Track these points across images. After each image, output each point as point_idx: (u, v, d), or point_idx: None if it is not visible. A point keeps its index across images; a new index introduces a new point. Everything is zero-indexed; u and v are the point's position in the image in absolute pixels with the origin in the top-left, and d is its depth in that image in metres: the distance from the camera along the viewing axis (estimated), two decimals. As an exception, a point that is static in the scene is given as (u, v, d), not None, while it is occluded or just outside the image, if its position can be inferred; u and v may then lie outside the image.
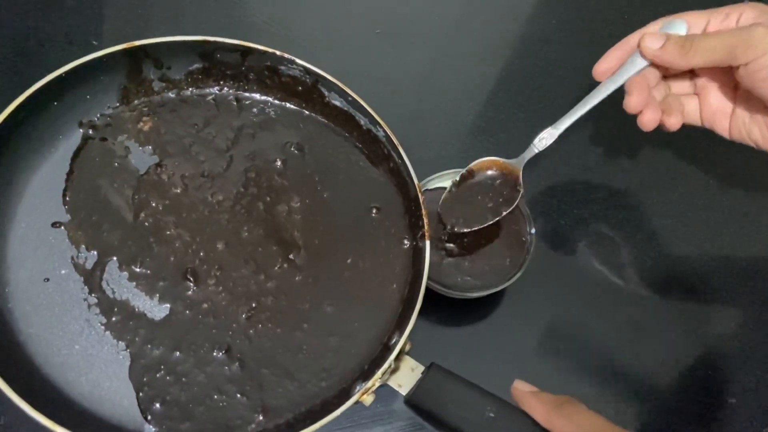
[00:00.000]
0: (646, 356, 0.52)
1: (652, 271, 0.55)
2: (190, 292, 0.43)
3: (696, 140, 0.60)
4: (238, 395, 0.41)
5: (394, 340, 0.41)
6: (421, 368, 0.40)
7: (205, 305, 0.43)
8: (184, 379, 0.40)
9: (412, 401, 0.39)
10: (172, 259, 0.43)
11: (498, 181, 0.48)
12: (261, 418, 0.40)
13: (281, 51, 0.47)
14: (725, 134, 0.48)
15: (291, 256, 0.45)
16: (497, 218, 0.47)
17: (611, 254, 0.56)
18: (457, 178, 0.49)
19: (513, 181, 0.48)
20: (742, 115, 0.46)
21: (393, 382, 0.40)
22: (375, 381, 0.39)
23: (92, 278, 0.42)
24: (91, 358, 0.40)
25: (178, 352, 0.41)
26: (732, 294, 0.55)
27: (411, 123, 0.58)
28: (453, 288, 0.48)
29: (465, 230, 0.47)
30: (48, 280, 0.41)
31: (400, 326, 0.42)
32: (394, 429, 0.48)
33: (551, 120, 0.47)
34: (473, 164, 0.49)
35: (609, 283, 0.55)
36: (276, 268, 0.44)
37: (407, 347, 0.41)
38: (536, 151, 0.47)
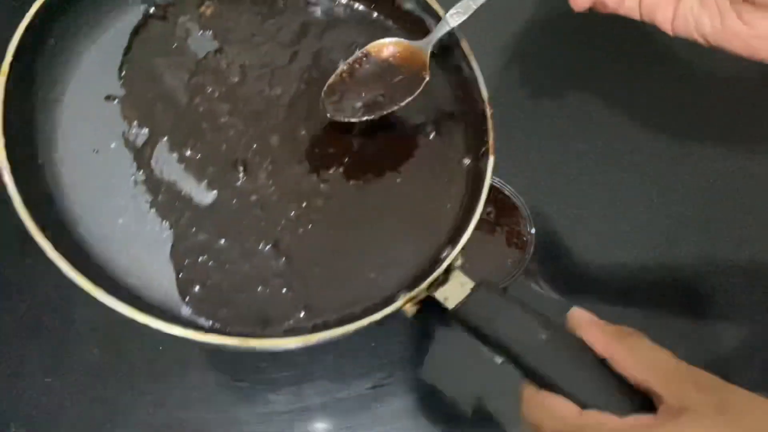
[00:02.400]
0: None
1: (652, 271, 0.55)
2: (239, 183, 0.42)
3: (692, 137, 0.60)
4: (284, 290, 0.40)
5: (444, 254, 0.40)
6: (471, 284, 0.38)
7: (254, 197, 0.42)
8: (227, 266, 0.40)
9: (458, 315, 0.37)
10: (223, 147, 0.42)
11: (400, 68, 0.44)
12: (302, 315, 0.39)
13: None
14: (667, 27, 0.41)
15: (346, 160, 0.44)
16: (391, 110, 0.42)
17: (611, 254, 0.56)
18: (350, 60, 0.44)
19: (418, 68, 0.43)
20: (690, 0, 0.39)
21: (440, 295, 0.38)
22: (421, 290, 0.38)
23: (141, 155, 0.41)
24: (134, 235, 0.39)
25: (222, 240, 0.40)
26: (732, 294, 0.55)
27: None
28: (453, 288, 0.48)
29: (345, 120, 0.42)
30: (97, 152, 0.41)
31: (453, 241, 0.40)
32: (394, 429, 0.49)
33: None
34: (370, 46, 0.44)
35: (609, 283, 0.55)
36: (330, 171, 0.43)
37: (458, 262, 0.39)
38: (447, 28, 0.42)
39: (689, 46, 0.43)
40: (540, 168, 0.59)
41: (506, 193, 0.51)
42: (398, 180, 0.44)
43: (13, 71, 0.37)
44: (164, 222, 0.40)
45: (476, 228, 0.48)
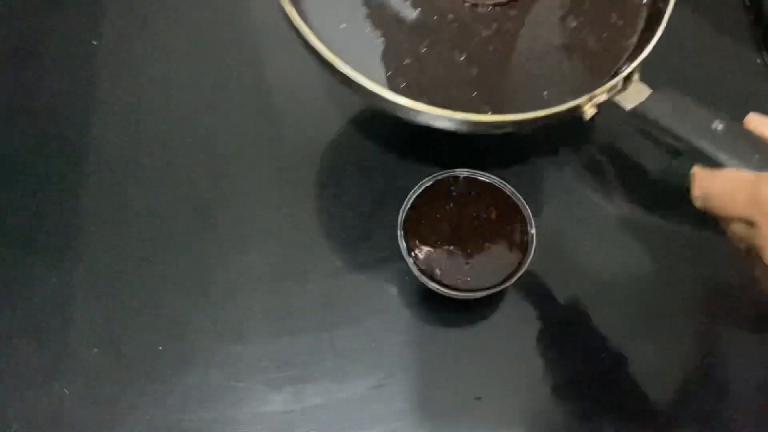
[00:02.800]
0: (646, 357, 0.52)
1: (652, 271, 0.55)
2: (438, 2, 0.49)
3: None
4: (474, 93, 0.46)
5: (624, 67, 0.44)
6: (649, 91, 0.42)
7: (451, 16, 0.48)
8: (427, 70, 0.46)
9: (637, 112, 0.42)
10: None
11: None
12: (489, 111, 0.45)
13: None
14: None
15: None
16: None
17: (611, 254, 0.56)
18: None
19: None
20: None
21: (619, 99, 0.43)
22: (602, 92, 0.43)
23: None
24: (352, 39, 0.47)
25: (425, 48, 0.47)
26: (732, 294, 0.55)
27: None
28: (453, 288, 0.48)
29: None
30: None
31: (632, 58, 0.45)
32: (394, 429, 0.49)
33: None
34: None
35: (609, 283, 0.55)
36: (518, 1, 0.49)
37: (636, 75, 0.44)
38: None
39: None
40: (540, 168, 0.59)
41: (506, 193, 0.51)
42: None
43: None
44: (376, 30, 0.48)
45: (476, 228, 0.49)
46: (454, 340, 0.52)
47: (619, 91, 0.43)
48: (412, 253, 0.49)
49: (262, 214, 0.56)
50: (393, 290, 0.53)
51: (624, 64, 0.45)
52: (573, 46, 0.48)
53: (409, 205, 0.50)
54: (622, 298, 0.54)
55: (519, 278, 0.48)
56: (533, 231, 0.50)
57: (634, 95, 0.43)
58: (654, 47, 0.45)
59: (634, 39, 0.48)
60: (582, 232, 0.56)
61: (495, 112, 0.44)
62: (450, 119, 0.42)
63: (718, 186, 0.36)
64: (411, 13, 0.48)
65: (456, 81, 0.47)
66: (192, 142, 0.58)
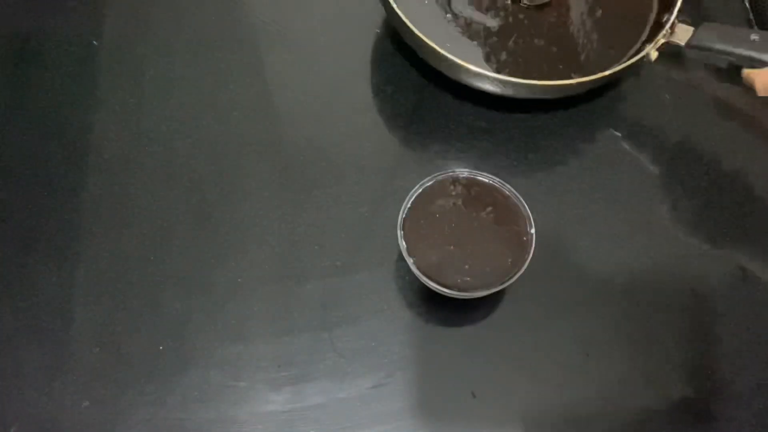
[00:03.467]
0: (646, 356, 0.52)
1: (652, 271, 0.55)
2: (507, 8, 0.62)
3: (692, 136, 0.60)
4: (560, 66, 0.59)
5: (665, 18, 0.57)
6: (692, 28, 0.55)
7: (521, 15, 0.61)
8: (521, 58, 0.59)
9: (691, 43, 0.55)
10: None
11: None
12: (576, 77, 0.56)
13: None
14: None
15: None
16: None
17: (611, 254, 0.56)
18: None
19: None
20: None
21: (674, 38, 0.56)
22: (661, 38, 0.56)
23: (445, 4, 0.61)
24: (452, 51, 0.54)
25: (512, 43, 0.60)
26: (732, 294, 0.55)
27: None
28: (453, 288, 0.48)
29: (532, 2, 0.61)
30: (425, 2, 0.61)
31: (669, 8, 0.57)
32: (394, 429, 0.49)
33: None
34: None
35: (609, 283, 0.55)
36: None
37: (676, 21, 0.56)
38: None
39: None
40: (540, 168, 0.59)
41: (506, 193, 0.51)
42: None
43: None
44: (473, 41, 0.60)
45: (476, 228, 0.49)
46: (454, 340, 0.52)
47: (671, 35, 0.56)
48: (412, 253, 0.49)
49: (262, 214, 0.56)
50: (393, 290, 0.53)
51: (665, 14, 0.58)
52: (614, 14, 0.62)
53: (409, 205, 0.50)
54: (622, 298, 0.54)
55: (519, 278, 0.48)
56: (533, 231, 0.50)
57: (683, 34, 0.56)
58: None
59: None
60: (582, 232, 0.56)
61: (582, 75, 0.56)
62: (559, 87, 0.56)
63: (763, 74, 0.52)
64: (493, 22, 0.61)
65: (544, 59, 0.59)
66: (192, 142, 0.59)
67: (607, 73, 0.55)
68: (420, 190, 0.51)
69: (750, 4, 0.67)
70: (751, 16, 0.66)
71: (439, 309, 0.52)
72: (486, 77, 0.55)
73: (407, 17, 0.56)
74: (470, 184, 0.51)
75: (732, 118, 0.61)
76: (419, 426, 0.49)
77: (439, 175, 0.51)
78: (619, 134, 0.60)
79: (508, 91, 0.56)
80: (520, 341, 0.52)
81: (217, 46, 0.63)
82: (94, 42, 0.62)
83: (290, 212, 0.56)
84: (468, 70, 0.54)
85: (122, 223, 0.55)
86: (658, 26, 0.58)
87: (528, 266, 0.48)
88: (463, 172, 0.51)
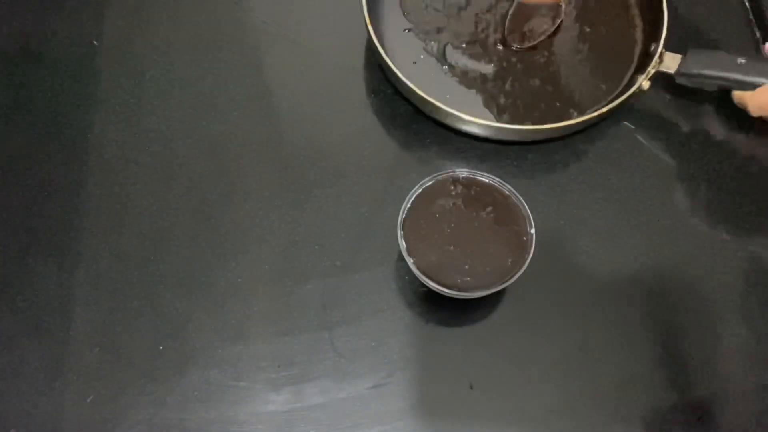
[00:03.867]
0: (646, 356, 0.52)
1: (652, 271, 0.55)
2: (499, 54, 0.63)
3: (691, 136, 0.60)
4: (557, 104, 0.60)
5: (653, 48, 0.59)
6: (680, 56, 0.57)
7: (514, 58, 0.62)
8: (519, 100, 0.61)
9: (681, 71, 0.56)
10: (489, 38, 0.63)
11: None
12: (575, 113, 0.59)
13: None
14: None
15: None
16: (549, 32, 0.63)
17: (611, 254, 0.56)
18: None
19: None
20: None
21: (663, 67, 0.57)
22: (651, 69, 0.57)
23: (440, 56, 0.62)
24: (448, 100, 0.56)
25: (509, 86, 0.61)
26: (732, 294, 0.55)
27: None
28: (453, 288, 0.48)
29: (522, 46, 0.62)
30: (415, 62, 0.61)
31: (656, 38, 0.59)
32: (394, 429, 0.49)
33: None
34: None
35: (609, 283, 0.55)
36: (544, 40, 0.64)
37: (662, 49, 0.58)
38: None
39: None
40: (540, 168, 0.59)
41: (506, 193, 0.51)
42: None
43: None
44: (469, 90, 0.61)
45: (476, 228, 0.49)
46: (454, 340, 0.52)
47: (660, 64, 0.57)
48: (412, 253, 0.49)
49: (262, 214, 0.56)
50: (393, 290, 0.53)
51: (652, 44, 0.60)
52: (603, 52, 0.63)
53: (409, 205, 0.50)
54: (621, 298, 0.54)
55: (519, 278, 0.48)
56: (533, 231, 0.50)
57: (671, 62, 0.57)
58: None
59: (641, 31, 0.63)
60: (582, 232, 0.56)
61: (579, 113, 0.59)
62: (562, 127, 0.56)
63: (760, 98, 0.55)
64: (487, 68, 0.62)
65: (541, 99, 0.60)
66: (192, 142, 0.59)
67: (604, 109, 0.56)
68: (420, 190, 0.51)
69: (750, 4, 0.67)
70: (751, 16, 0.66)
71: (439, 309, 0.52)
72: (494, 128, 0.57)
73: (403, 73, 0.56)
74: (470, 184, 0.51)
75: (732, 118, 0.61)
76: (419, 426, 0.49)
77: (439, 175, 0.51)
78: (619, 134, 0.61)
79: (513, 137, 0.58)
80: (520, 341, 0.52)
81: (217, 46, 0.63)
82: (94, 42, 0.62)
83: (290, 212, 0.56)
84: (473, 123, 0.56)
85: (122, 223, 0.55)
86: (646, 56, 0.60)
87: (528, 266, 0.48)
88: (463, 172, 0.51)
